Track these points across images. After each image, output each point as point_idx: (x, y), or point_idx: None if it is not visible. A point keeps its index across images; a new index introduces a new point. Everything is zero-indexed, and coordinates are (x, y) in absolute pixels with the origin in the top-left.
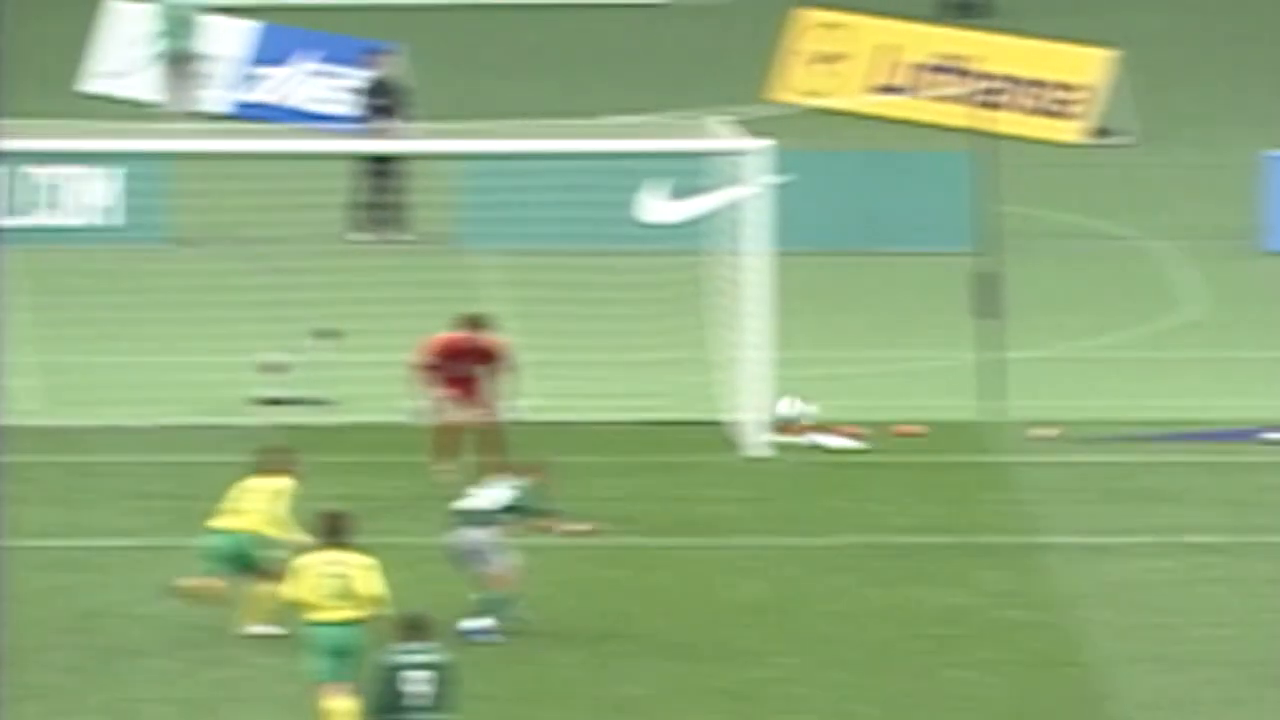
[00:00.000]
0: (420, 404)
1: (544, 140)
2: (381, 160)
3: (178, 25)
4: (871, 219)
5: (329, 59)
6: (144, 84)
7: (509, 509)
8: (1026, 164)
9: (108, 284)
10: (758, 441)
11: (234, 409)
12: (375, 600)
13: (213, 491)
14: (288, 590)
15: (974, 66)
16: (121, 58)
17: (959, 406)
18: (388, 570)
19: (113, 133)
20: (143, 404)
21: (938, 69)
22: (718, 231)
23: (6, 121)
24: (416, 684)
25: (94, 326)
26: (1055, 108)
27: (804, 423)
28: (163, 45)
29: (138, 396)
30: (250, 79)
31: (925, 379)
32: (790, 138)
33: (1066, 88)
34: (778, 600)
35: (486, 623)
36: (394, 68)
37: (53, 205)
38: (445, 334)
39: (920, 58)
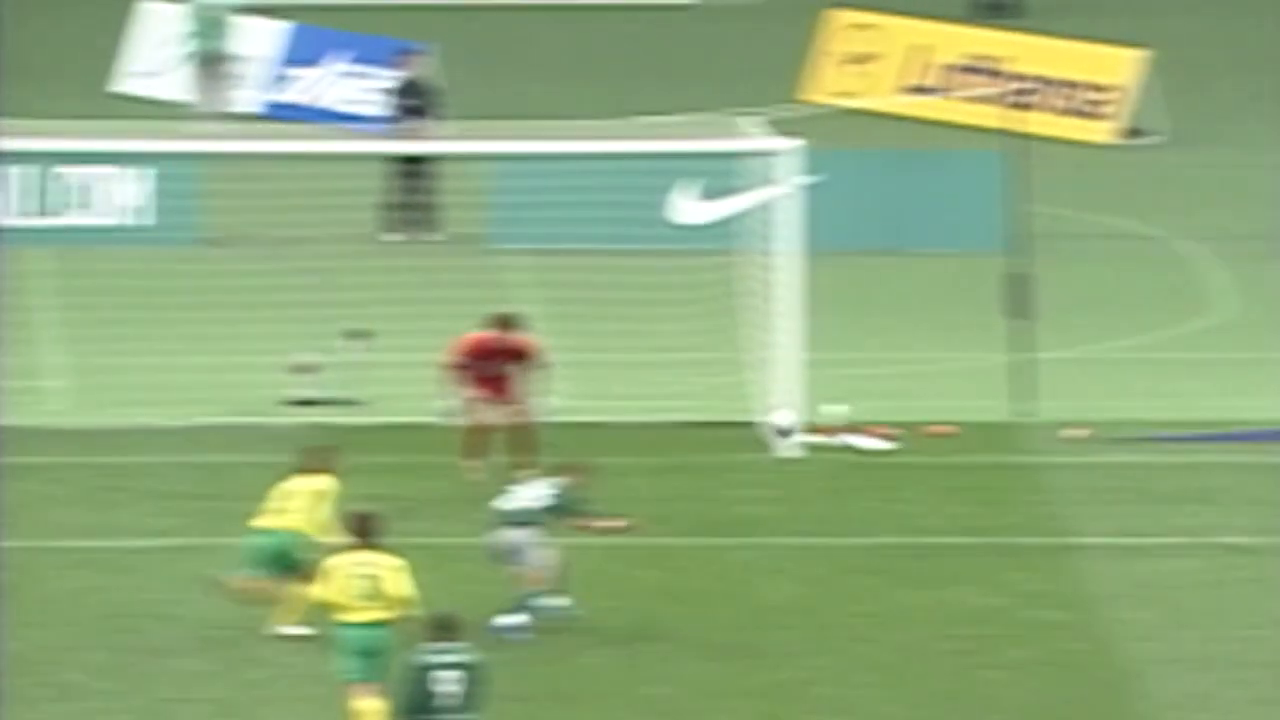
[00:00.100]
0: (451, 403)
1: (575, 141)
2: (412, 161)
3: (209, 26)
4: (903, 219)
5: (360, 59)
6: (176, 84)
7: (548, 509)
8: (1058, 164)
9: (138, 284)
10: (789, 442)
11: (265, 409)
12: (405, 601)
13: (244, 492)
14: (317, 591)
15: (1005, 67)
16: (153, 58)
17: (990, 407)
18: (418, 570)
19: (143, 133)
20: (173, 404)
21: (969, 69)
22: (749, 232)
23: (38, 123)
24: (446, 684)
25: (124, 327)
26: (1087, 108)
27: (831, 424)
28: (194, 46)
29: (168, 397)
30: (281, 79)
31: (956, 379)
32: (822, 138)
33: (1098, 88)
34: (809, 601)
35: (520, 619)
36: (425, 68)
37: (84, 206)
38: (475, 334)
39: (952, 58)
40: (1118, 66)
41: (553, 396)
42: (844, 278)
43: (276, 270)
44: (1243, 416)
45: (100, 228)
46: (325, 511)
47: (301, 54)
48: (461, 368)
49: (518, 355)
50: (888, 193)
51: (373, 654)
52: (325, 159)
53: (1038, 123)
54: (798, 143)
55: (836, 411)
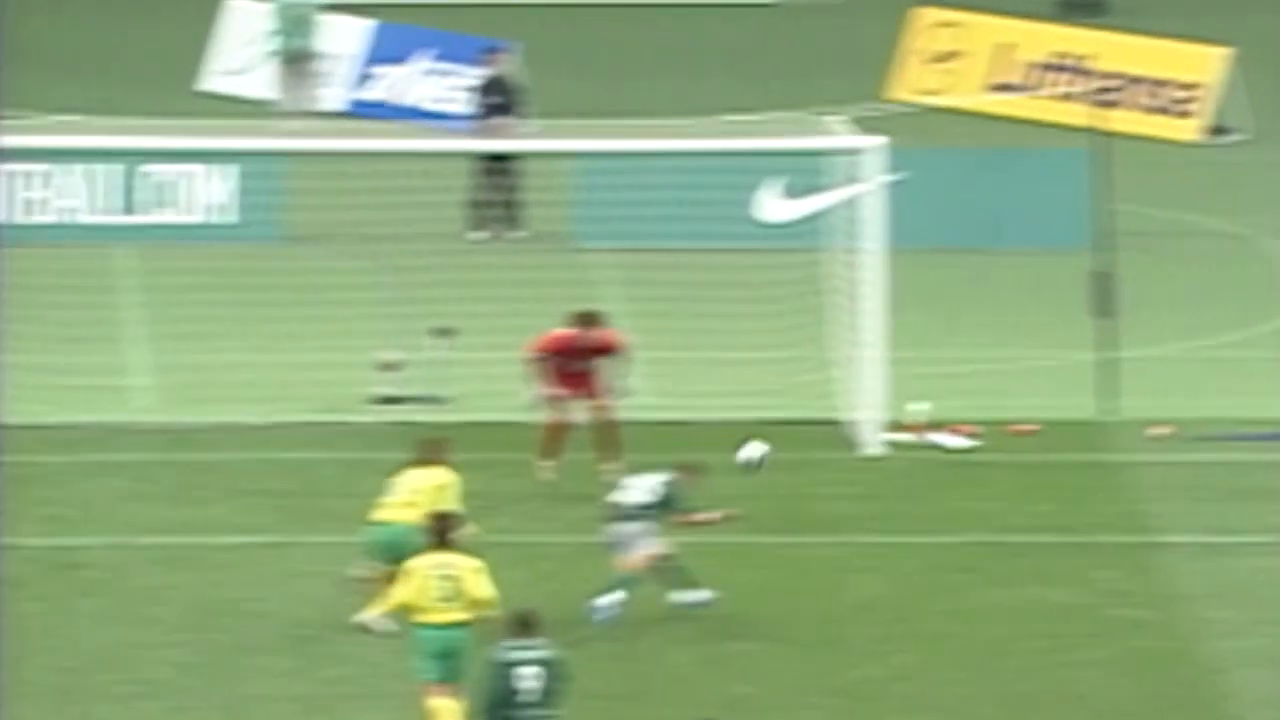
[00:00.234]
0: (536, 394)
1: (660, 139)
2: (496, 158)
3: (294, 24)
4: (988, 217)
5: (444, 57)
6: (261, 82)
7: (652, 503)
8: (1142, 162)
9: (224, 282)
10: (873, 440)
11: (349, 406)
12: (485, 603)
13: (328, 489)
14: (397, 593)
15: (1089, 65)
16: (240, 56)
17: (1073, 405)
18: (500, 567)
19: (227, 131)
20: (258, 401)
21: (1054, 67)
22: (834, 230)
23: (124, 121)
24: (526, 680)
25: (210, 324)
26: (1172, 106)
27: (918, 422)
28: (279, 44)
29: (253, 394)
30: (366, 77)
31: (1039, 377)
32: (907, 136)
33: (1182, 86)
34: (894, 598)
35: (614, 597)
36: (509, 66)
37: (170, 204)
38: (557, 331)
39: (1036, 56)
40: (1202, 64)
41: (631, 379)
42: (929, 276)
43: (361, 268)
44: None
45: (185, 225)
46: (450, 503)
47: (386, 52)
48: (544, 364)
49: (600, 351)
50: (973, 191)
51: (451, 655)
52: (409, 157)
53: (1122, 121)
54: (882, 140)
55: (918, 410)
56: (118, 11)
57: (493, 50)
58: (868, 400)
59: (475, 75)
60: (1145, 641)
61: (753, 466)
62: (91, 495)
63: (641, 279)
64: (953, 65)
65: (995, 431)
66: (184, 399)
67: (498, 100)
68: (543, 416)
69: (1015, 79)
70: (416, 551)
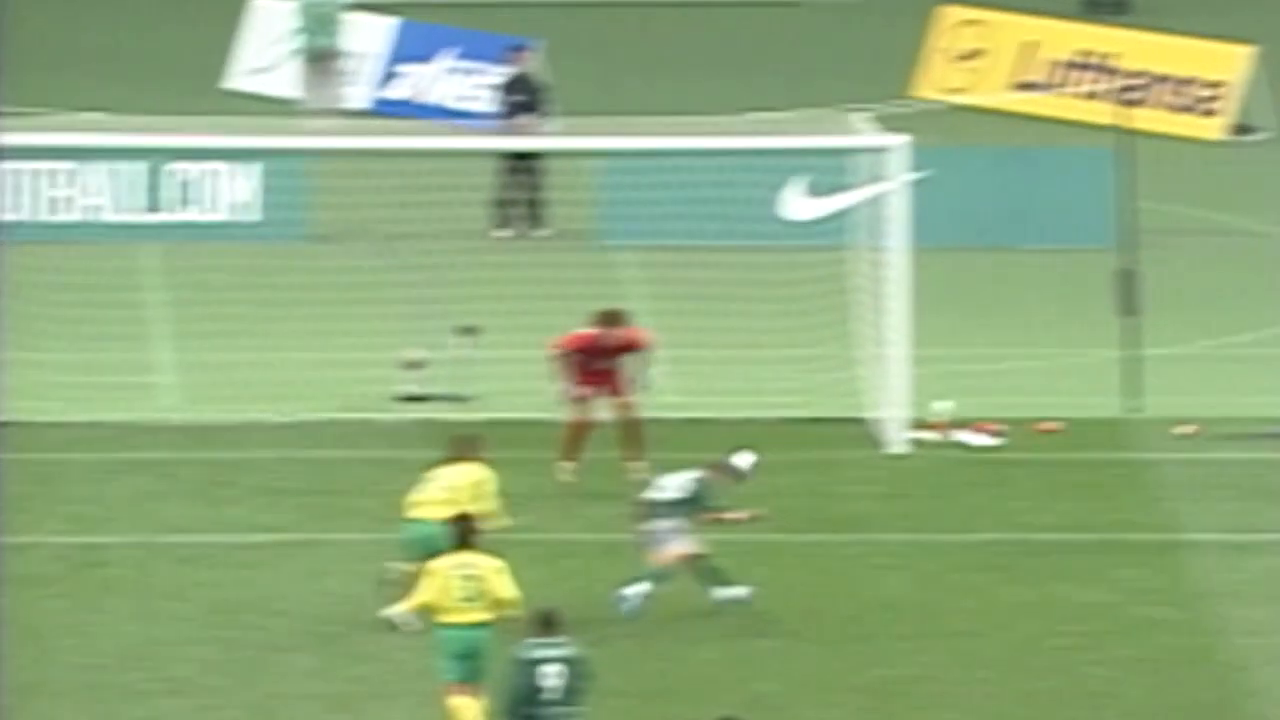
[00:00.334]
0: (563, 389)
1: (684, 137)
2: (520, 157)
3: (318, 22)
4: (1013, 215)
5: (468, 55)
6: (286, 81)
7: (682, 500)
8: (1167, 161)
9: (249, 280)
10: (898, 438)
11: (372, 404)
12: (507, 603)
13: (352, 487)
14: (420, 594)
15: (1114, 63)
16: (265, 55)
17: (1097, 404)
18: (525, 566)
19: (251, 129)
20: (282, 400)
21: (1078, 66)
22: (859, 228)
23: (147, 119)
24: (549, 678)
25: (234, 323)
26: (1197, 105)
27: (942, 420)
28: (303, 42)
29: (277, 393)
30: (390, 76)
31: (1064, 376)
32: (932, 134)
33: (1208, 84)
34: (918, 597)
35: (641, 588)
36: (533, 64)
37: (192, 202)
38: (581, 331)
39: (1060, 54)
40: (1226, 62)
41: (653, 373)
42: (953, 274)
43: (384, 266)
44: None
45: (210, 224)
46: (488, 499)
47: (410, 50)
48: (568, 361)
49: (624, 350)
50: (998, 189)
51: (473, 655)
52: (433, 155)
53: (1148, 119)
54: (906, 139)
55: (943, 408)
56: (143, 10)
57: (517, 48)
58: (892, 399)
59: (499, 73)
60: (1170, 640)
61: (742, 476)
62: (116, 493)
63: (666, 277)
64: (977, 63)
65: (1019, 430)
66: (208, 397)
67: (522, 98)
68: (566, 414)
69: (1040, 77)
70: (444, 548)
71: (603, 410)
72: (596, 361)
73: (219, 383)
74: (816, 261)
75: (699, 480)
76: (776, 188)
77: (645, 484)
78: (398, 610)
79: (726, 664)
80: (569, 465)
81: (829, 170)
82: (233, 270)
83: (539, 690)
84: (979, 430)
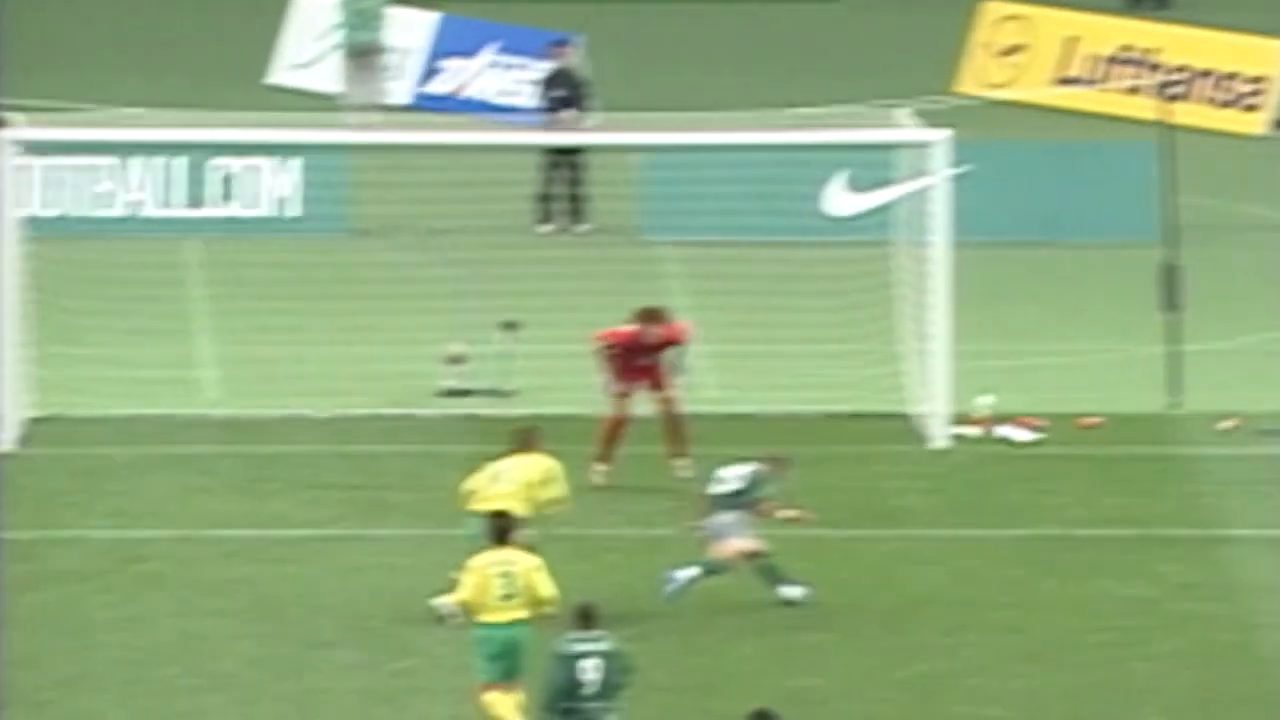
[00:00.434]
0: (606, 382)
1: (727, 132)
2: (562, 152)
3: (360, 17)
4: (1055, 210)
5: (510, 50)
6: (328, 76)
7: (743, 491)
8: (1209, 155)
9: (291, 275)
10: (940, 433)
11: (414, 399)
12: (546, 601)
13: (395, 482)
14: (461, 592)
15: (1155, 58)
16: (308, 50)
17: (1137, 398)
18: (566, 561)
19: (292, 124)
20: (324, 395)
21: (1119, 61)
22: (902, 223)
23: (189, 114)
24: (589, 673)
25: (276, 317)
26: (1238, 99)
27: (981, 415)
28: (345, 37)
29: (319, 387)
30: (431, 71)
31: (1106, 371)
32: (975, 129)
33: (1250, 79)
34: (960, 592)
35: (690, 573)
36: (574, 59)
37: (236, 197)
38: (622, 328)
39: (1102, 49)
40: (1268, 57)
41: (688, 359)
42: (995, 269)
43: (426, 261)
44: None
45: (252, 219)
46: (559, 488)
47: (451, 45)
48: (610, 356)
49: (665, 346)
50: (1040, 184)
51: (511, 653)
52: (475, 150)
53: (1189, 114)
54: (947, 134)
55: (984, 403)
56: (187, 6)
57: (559, 43)
58: (934, 394)
59: (541, 68)
60: (1212, 634)
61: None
62: (158, 488)
63: (707, 272)
64: (1019, 58)
65: (1060, 425)
66: (250, 392)
67: (563, 93)
68: (606, 408)
69: (1082, 72)
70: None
71: (645, 405)
72: (638, 358)
73: (260, 377)
74: (859, 257)
75: (755, 472)
76: (818, 183)
77: (691, 480)
78: (445, 601)
79: (767, 659)
80: (602, 468)
81: (871, 165)
82: (275, 265)
83: (579, 685)
84: (1020, 425)
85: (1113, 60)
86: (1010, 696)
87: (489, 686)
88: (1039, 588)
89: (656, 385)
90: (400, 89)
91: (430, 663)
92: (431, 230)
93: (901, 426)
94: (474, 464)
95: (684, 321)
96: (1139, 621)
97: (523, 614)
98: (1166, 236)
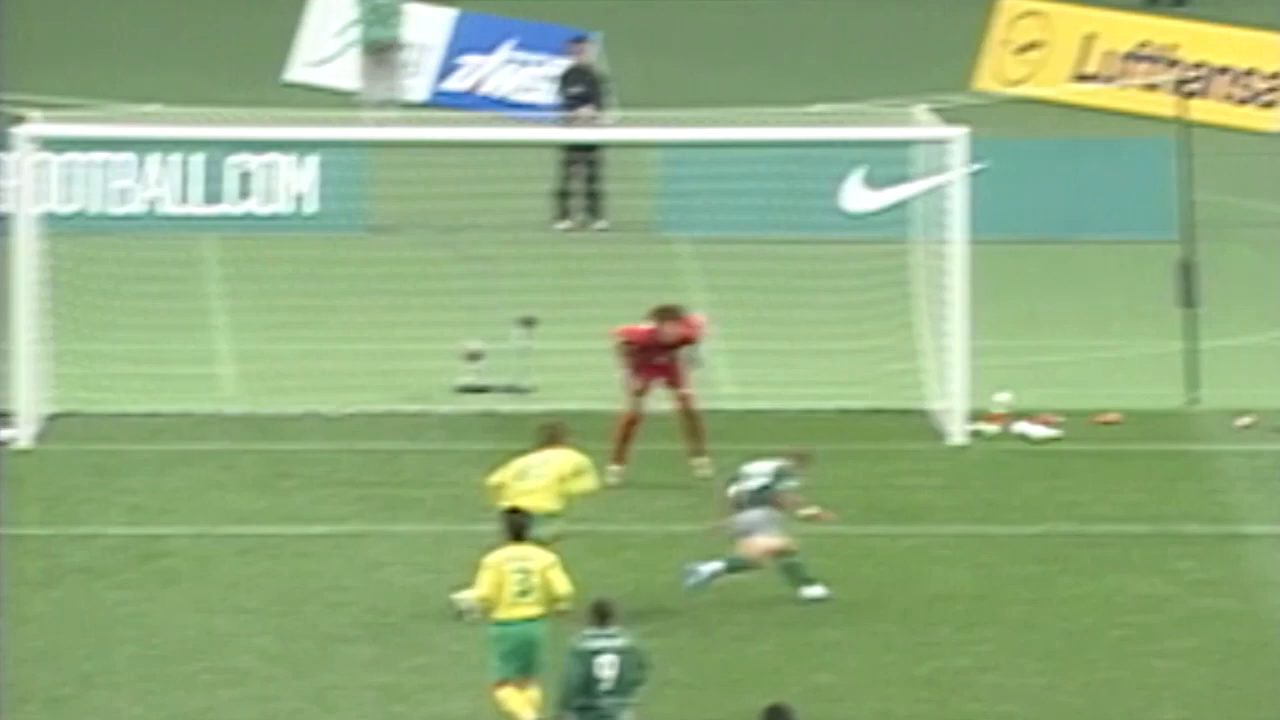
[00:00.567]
0: (624, 378)
1: (744, 128)
2: (579, 148)
3: (378, 14)
4: (1072, 207)
5: (527, 47)
6: (345, 72)
7: (768, 486)
8: (1227, 152)
9: (307, 271)
10: (958, 430)
11: (431, 396)
12: (561, 598)
13: (412, 478)
14: (478, 588)
15: (1174, 55)
16: (325, 47)
17: (1154, 395)
18: (584, 557)
19: (309, 121)
20: (341, 391)
21: (1137, 57)
22: (919, 220)
23: (206, 110)
24: (603, 669)
25: (294, 314)
26: (1257, 96)
27: (999, 411)
28: (363, 34)
29: (336, 384)
30: (449, 67)
31: (1121, 367)
32: (993, 126)
33: (1268, 76)
34: (977, 588)
35: (713, 566)
36: (592, 56)
37: (254, 194)
38: (638, 326)
39: (1121, 46)
40: None
41: (702, 351)
42: (1013, 266)
43: (443, 258)
44: None
45: (271, 215)
46: (592, 481)
47: (469, 42)
48: (627, 352)
49: (682, 344)
50: (1058, 181)
51: (527, 649)
52: (492, 146)
53: (1207, 111)
54: (965, 131)
55: (1002, 400)
56: (205, 2)
57: (577, 40)
58: (952, 390)
59: (558, 65)
60: (1229, 631)
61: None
62: (176, 484)
63: (724, 269)
64: (1037, 55)
65: (1078, 421)
66: (268, 388)
67: (581, 90)
68: (621, 406)
69: (1099, 69)
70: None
71: (660, 402)
72: (655, 356)
73: (278, 374)
74: (876, 253)
75: (779, 467)
76: (836, 179)
77: (710, 479)
78: (464, 596)
79: (785, 655)
80: (617, 468)
81: (888, 162)
82: (292, 261)
83: (595, 681)
84: (1038, 421)
85: (1130, 57)
86: (1027, 693)
87: (502, 683)
88: (1056, 584)
89: (673, 383)
90: (418, 85)
91: (448, 659)
92: (449, 227)
93: (919, 423)
94: (491, 460)
95: (698, 316)
96: (1156, 618)
97: (538, 611)
98: (1184, 233)
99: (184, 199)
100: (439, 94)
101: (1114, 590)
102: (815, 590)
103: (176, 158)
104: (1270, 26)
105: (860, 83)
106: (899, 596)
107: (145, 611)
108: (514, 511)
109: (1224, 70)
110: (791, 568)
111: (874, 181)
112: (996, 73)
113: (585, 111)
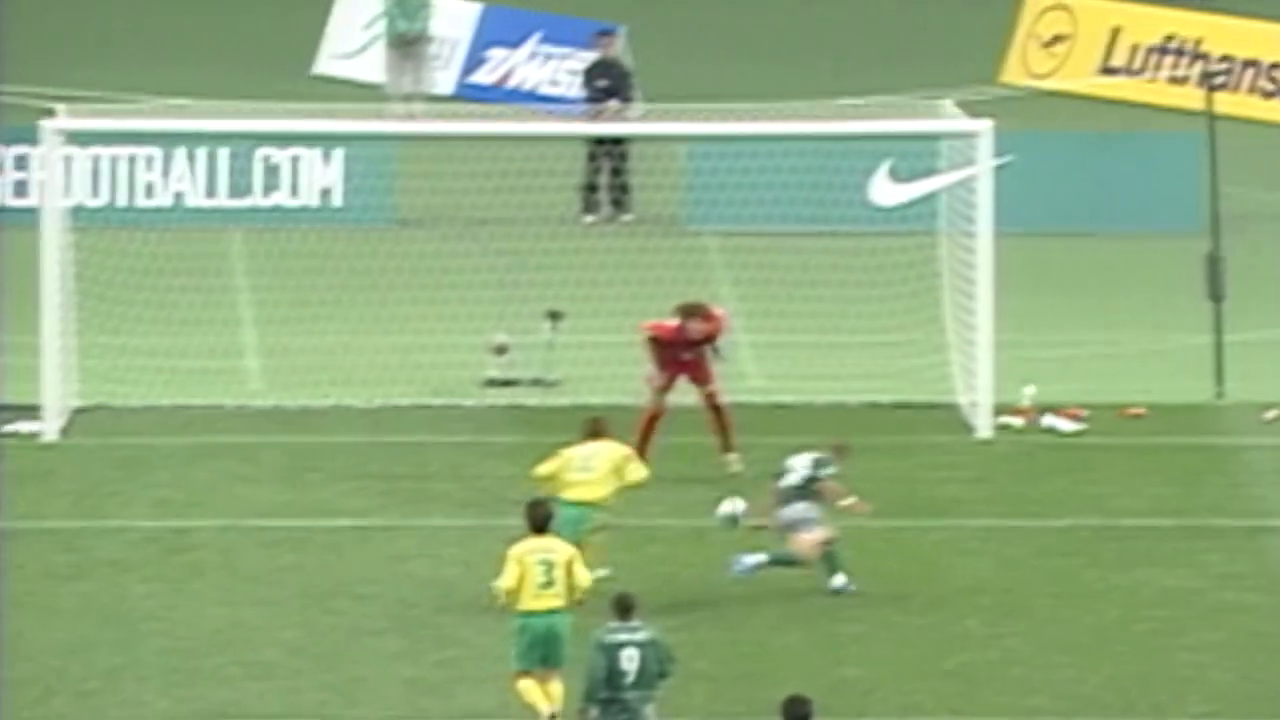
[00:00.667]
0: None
1: (771, 122)
2: (605, 142)
3: (405, 7)
4: (1099, 200)
5: (554, 40)
6: (373, 66)
7: (809, 478)
8: (1254, 146)
9: (334, 265)
10: (985, 423)
11: (457, 389)
12: (581, 590)
13: (437, 472)
14: (503, 579)
15: (1200, 48)
16: (353, 40)
17: (1179, 388)
18: (611, 551)
19: (335, 114)
20: (368, 384)
21: (1165, 51)
22: (946, 213)
23: (233, 104)
24: (626, 662)
25: (320, 307)
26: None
27: (1025, 405)
28: (390, 27)
29: (363, 377)
30: (475, 61)
31: (1147, 360)
32: (1020, 119)
33: None
34: (1003, 581)
35: (757, 559)
36: (619, 49)
37: (281, 187)
38: (664, 322)
39: (1147, 39)
40: None
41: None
42: (1040, 259)
43: (470, 251)
44: None
45: (296, 209)
46: (638, 471)
47: (496, 35)
48: (654, 347)
49: (707, 340)
50: (1085, 174)
51: (550, 641)
52: (519, 140)
53: (1234, 104)
54: (989, 124)
55: (1026, 393)
56: None
57: (604, 33)
58: (979, 384)
59: (585, 58)
60: (1256, 624)
61: (731, 523)
62: (202, 477)
63: (751, 262)
64: (1063, 49)
65: (1104, 415)
66: (294, 382)
67: (607, 83)
68: (644, 400)
69: (1126, 63)
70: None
71: (685, 395)
72: (681, 352)
73: (304, 367)
74: (903, 247)
75: (817, 459)
76: (863, 173)
77: (739, 475)
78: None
79: (811, 648)
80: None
81: (915, 155)
82: (318, 255)
83: (619, 674)
84: (1064, 415)
85: (1156, 50)
86: (1053, 686)
87: (524, 674)
88: (1082, 577)
89: (699, 379)
90: (444, 79)
91: (474, 652)
92: (475, 220)
93: (946, 416)
94: (519, 453)
95: (720, 309)
96: (1182, 611)
97: (561, 603)
98: (1210, 226)
99: (211, 192)
100: (465, 87)
101: (1140, 584)
102: (839, 580)
103: (203, 151)
104: None
105: (887, 76)
106: (926, 590)
107: (172, 604)
108: (538, 503)
109: (1250, 63)
110: (830, 556)
111: (900, 175)
112: (1023, 66)
113: (612, 105)
